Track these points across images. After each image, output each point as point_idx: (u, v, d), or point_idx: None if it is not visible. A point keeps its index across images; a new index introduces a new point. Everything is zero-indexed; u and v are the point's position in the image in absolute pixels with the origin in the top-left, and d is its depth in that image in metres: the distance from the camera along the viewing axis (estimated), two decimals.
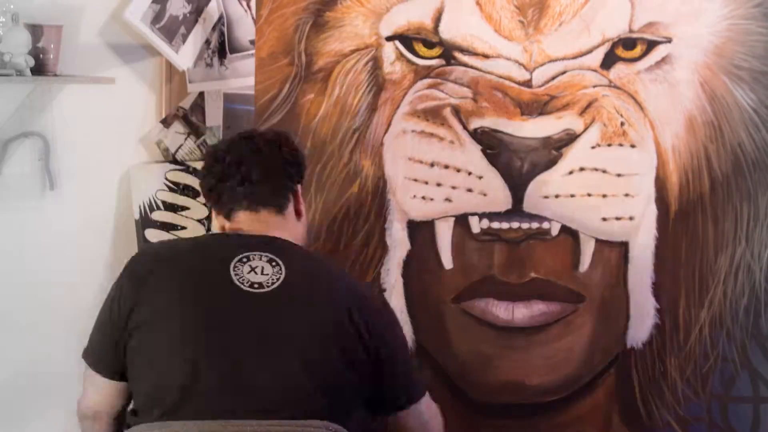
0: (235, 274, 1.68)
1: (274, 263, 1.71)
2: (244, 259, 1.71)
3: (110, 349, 1.73)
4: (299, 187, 1.87)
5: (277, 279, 1.69)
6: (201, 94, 2.48)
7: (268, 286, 1.68)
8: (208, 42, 2.45)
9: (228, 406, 1.62)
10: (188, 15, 2.41)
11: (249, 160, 1.79)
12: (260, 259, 1.71)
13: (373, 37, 2.27)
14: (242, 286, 1.67)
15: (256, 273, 1.69)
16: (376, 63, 2.28)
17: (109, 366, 1.75)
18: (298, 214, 1.85)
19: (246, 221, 1.80)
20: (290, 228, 1.83)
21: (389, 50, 2.27)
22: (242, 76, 2.48)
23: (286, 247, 1.77)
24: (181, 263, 1.75)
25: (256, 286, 1.68)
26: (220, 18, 2.45)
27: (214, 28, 2.45)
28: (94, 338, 1.78)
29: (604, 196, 2.26)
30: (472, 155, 2.25)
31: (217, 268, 1.70)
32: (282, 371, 1.64)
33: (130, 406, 1.78)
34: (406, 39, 2.27)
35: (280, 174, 1.83)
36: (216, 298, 1.69)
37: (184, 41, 2.40)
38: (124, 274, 1.76)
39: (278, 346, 1.65)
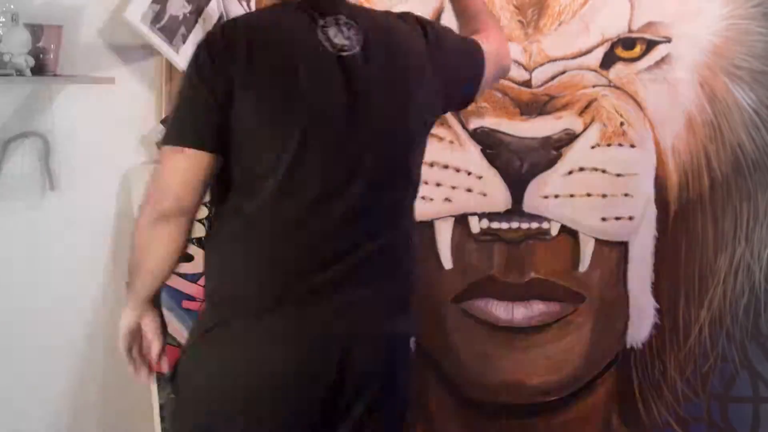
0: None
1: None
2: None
3: (210, 120, 1.51)
4: None
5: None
6: None
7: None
8: None
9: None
10: (188, 15, 2.40)
11: None
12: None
13: None
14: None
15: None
16: None
17: (212, 136, 1.51)
18: None
19: None
20: None
21: None
22: None
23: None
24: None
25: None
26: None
27: None
28: (182, 116, 1.55)
29: (604, 196, 2.26)
30: (472, 155, 2.25)
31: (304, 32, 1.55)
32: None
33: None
34: None
35: None
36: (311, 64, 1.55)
37: (184, 41, 2.40)
38: (209, 51, 1.54)
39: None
